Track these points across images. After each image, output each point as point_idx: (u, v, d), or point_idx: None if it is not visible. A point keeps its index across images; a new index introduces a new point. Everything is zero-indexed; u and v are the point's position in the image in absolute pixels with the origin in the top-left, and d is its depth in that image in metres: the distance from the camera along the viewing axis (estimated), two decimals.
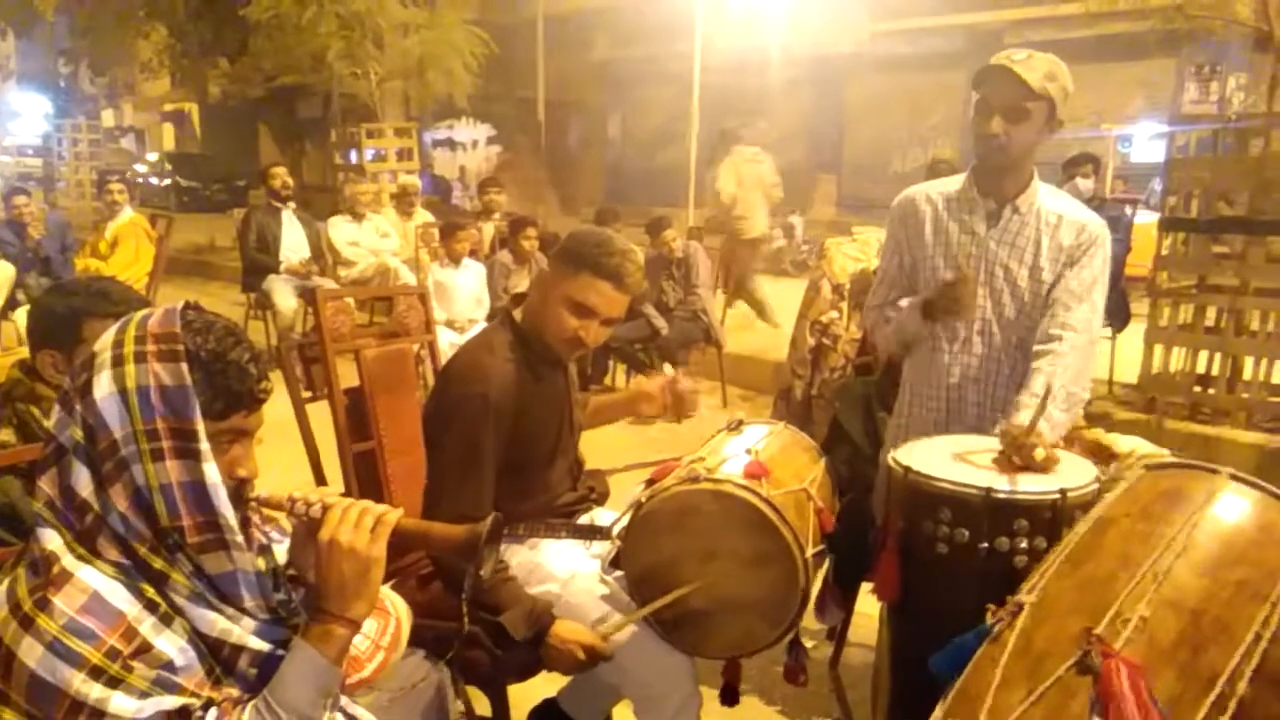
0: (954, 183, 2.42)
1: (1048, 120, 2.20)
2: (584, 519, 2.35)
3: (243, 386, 1.27)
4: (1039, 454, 1.91)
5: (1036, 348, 2.20)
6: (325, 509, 1.34)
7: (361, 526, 1.31)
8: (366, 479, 2.41)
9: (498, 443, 2.10)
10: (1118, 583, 1.35)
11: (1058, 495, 1.81)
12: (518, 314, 2.26)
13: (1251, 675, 1.23)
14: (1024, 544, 1.80)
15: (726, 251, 7.55)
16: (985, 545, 1.81)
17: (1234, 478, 1.43)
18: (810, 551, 2.01)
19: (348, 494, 2.41)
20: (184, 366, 1.22)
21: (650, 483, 2.15)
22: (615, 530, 2.15)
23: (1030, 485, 1.84)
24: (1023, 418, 2.06)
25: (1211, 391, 5.35)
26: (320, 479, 2.37)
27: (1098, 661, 1.26)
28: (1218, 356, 5.31)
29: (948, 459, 2.00)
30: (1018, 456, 1.93)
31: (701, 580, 2.00)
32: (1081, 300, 2.21)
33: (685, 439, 2.83)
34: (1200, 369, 5.39)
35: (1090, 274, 2.23)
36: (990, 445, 2.09)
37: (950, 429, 2.30)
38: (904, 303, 2.38)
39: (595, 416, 2.48)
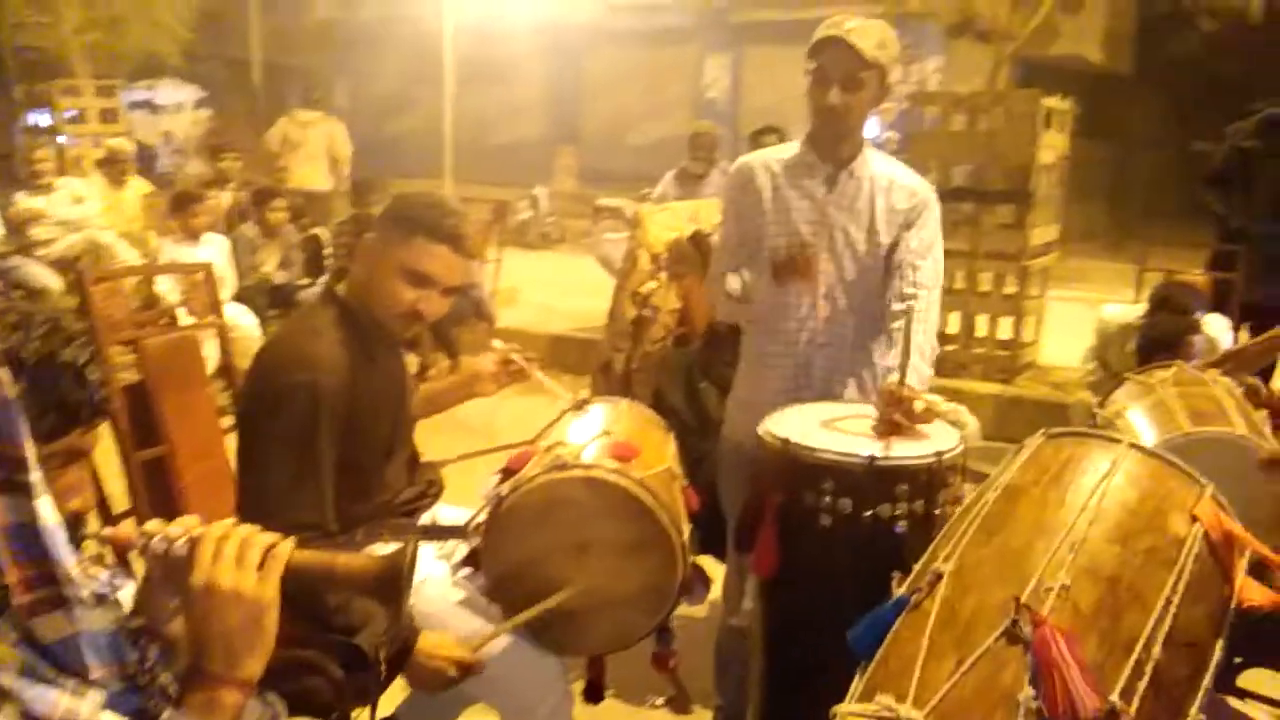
0: (788, 150, 2.40)
1: (880, 87, 2.22)
2: (425, 517, 2.12)
3: (80, 395, 0.98)
4: (918, 406, 1.93)
5: (894, 308, 2.23)
6: (193, 543, 1.07)
7: (246, 564, 1.06)
8: (158, 492, 2.04)
9: (333, 437, 1.84)
10: (1036, 551, 1.34)
11: (934, 458, 1.82)
12: (341, 289, 1.99)
13: (1164, 639, 1.25)
14: (904, 509, 1.81)
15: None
16: (869, 513, 1.80)
17: (1133, 447, 1.47)
18: (686, 533, 1.91)
19: (136, 510, 2.04)
20: (3, 375, 0.91)
21: (506, 473, 1.97)
22: (471, 527, 1.95)
23: (907, 450, 1.84)
24: (895, 378, 2.07)
25: (952, 348, 5.82)
26: (101, 499, 1.98)
27: (1027, 630, 1.25)
28: (956, 316, 5.79)
29: (820, 428, 1.97)
30: (900, 414, 1.93)
31: (575, 577, 1.85)
32: (925, 258, 2.26)
33: (506, 423, 2.64)
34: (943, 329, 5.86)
35: (929, 233, 2.29)
36: (851, 411, 2.09)
37: (800, 395, 2.28)
38: (746, 274, 2.34)
39: (427, 406, 2.26)
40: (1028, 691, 1.19)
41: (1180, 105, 17.70)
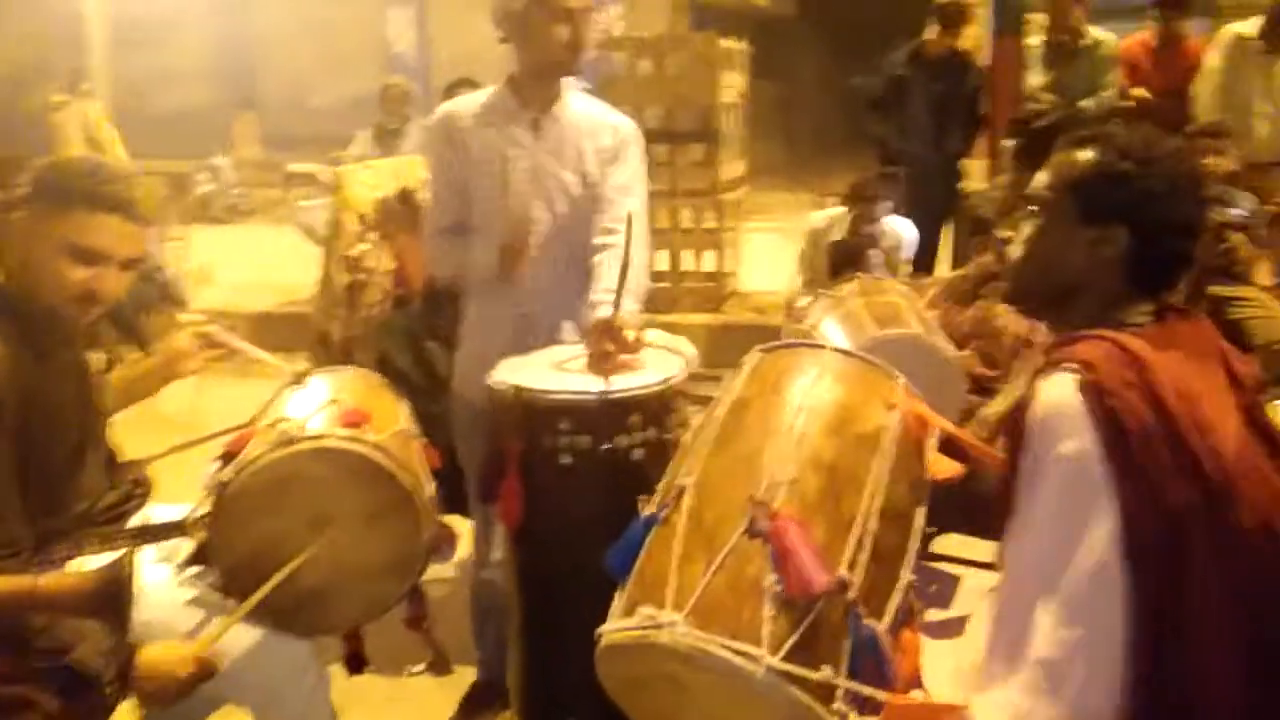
0: (483, 96, 2.37)
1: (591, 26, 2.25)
2: (135, 521, 1.94)
3: None
4: (629, 335, 1.99)
5: (595, 242, 2.27)
6: None
7: None
8: None
9: (7, 447, 1.63)
10: (766, 453, 1.45)
11: (662, 385, 1.90)
12: None
13: (877, 514, 1.41)
14: (639, 437, 1.88)
15: None
16: (607, 446, 1.85)
17: (835, 350, 1.62)
18: (429, 492, 1.88)
19: None
20: None
21: (226, 458, 1.84)
22: (192, 521, 1.81)
23: (636, 380, 1.91)
24: (603, 312, 2.11)
25: (663, 284, 6.07)
26: None
27: (765, 524, 1.35)
28: (664, 254, 6.04)
29: (550, 371, 1.99)
30: (611, 343, 1.98)
31: (312, 552, 1.76)
32: (628, 194, 2.32)
33: (212, 411, 2.45)
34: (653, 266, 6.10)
35: (630, 170, 2.35)
36: (576, 352, 2.12)
37: (527, 343, 2.28)
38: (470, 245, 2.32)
39: (123, 396, 2.04)
40: (771, 578, 1.30)
41: (837, 46, 19.33)
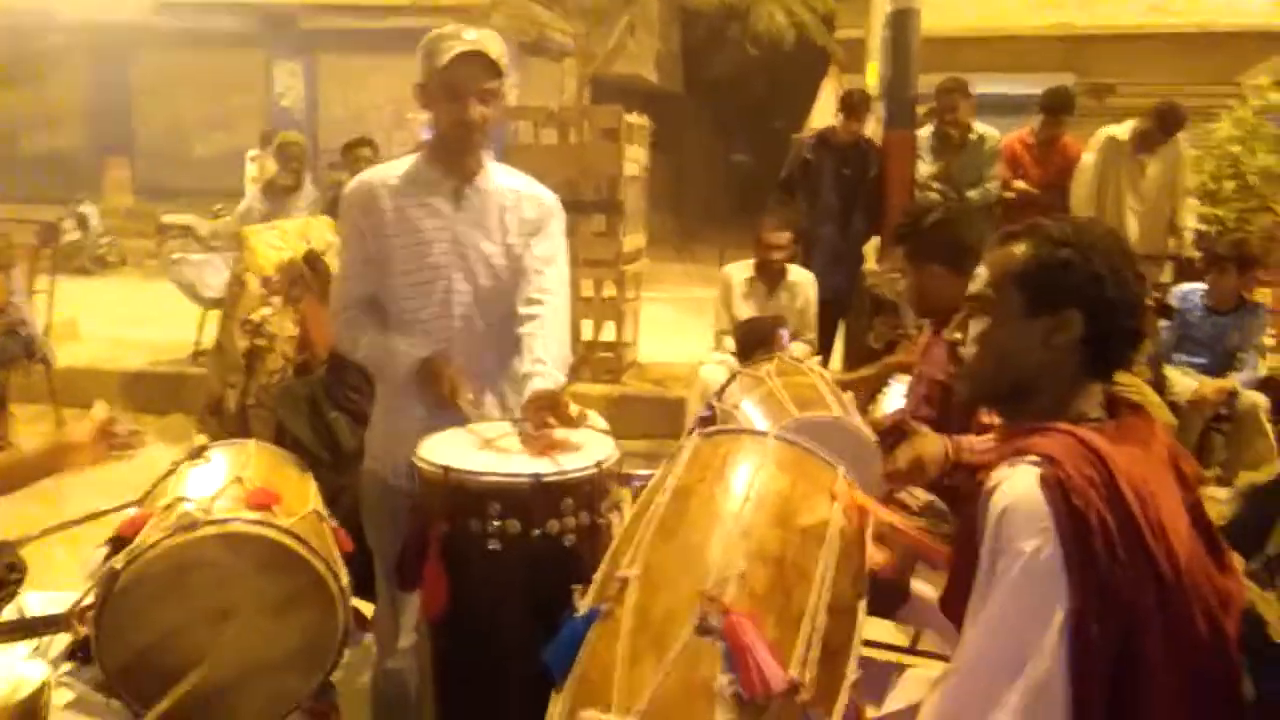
0: (402, 165, 2.30)
1: (501, 95, 2.21)
2: (8, 612, 1.74)
3: None
4: (573, 410, 1.93)
5: (521, 312, 2.20)
6: None
7: None
8: None
9: None
10: (714, 543, 1.40)
11: (595, 468, 1.84)
12: None
13: (825, 609, 1.36)
14: (571, 522, 1.80)
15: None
16: (538, 531, 1.77)
17: (777, 438, 1.58)
18: (344, 578, 1.76)
19: None
20: None
21: (117, 542, 1.68)
22: (76, 613, 1.64)
23: (570, 463, 1.84)
24: (536, 384, 2.04)
25: None
26: None
27: (718, 621, 1.30)
28: None
29: (478, 450, 1.90)
30: (554, 418, 1.91)
31: (216, 651, 1.62)
32: (550, 264, 2.27)
33: (79, 483, 2.26)
34: None
35: (553, 241, 2.30)
36: (501, 429, 2.04)
37: (444, 418, 2.18)
38: (396, 344, 2.20)
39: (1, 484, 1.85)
40: (724, 679, 1.24)
41: (720, 123, 19.95)
